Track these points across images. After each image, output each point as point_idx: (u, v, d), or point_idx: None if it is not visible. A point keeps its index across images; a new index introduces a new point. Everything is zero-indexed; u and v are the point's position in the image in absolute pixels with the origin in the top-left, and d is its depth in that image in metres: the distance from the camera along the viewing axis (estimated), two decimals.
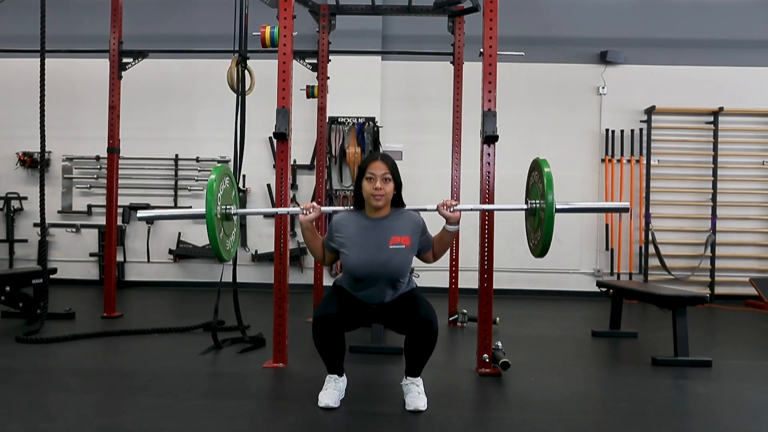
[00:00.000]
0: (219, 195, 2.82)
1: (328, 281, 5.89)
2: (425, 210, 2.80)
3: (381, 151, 6.74)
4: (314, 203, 2.78)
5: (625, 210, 3.01)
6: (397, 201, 2.76)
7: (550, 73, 7.03)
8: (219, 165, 2.93)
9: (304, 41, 5.11)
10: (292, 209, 3.02)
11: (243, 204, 6.99)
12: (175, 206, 7.11)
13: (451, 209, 2.70)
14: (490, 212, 3.36)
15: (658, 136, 6.96)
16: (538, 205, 2.83)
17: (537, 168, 2.87)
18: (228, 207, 2.94)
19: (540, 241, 2.79)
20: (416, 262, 2.85)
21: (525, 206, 2.96)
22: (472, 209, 3.01)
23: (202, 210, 2.76)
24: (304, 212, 2.74)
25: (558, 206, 2.71)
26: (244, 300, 4.15)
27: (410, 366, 2.75)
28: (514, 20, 6.56)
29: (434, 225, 2.81)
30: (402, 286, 2.77)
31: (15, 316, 4.66)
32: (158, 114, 7.09)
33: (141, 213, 3.02)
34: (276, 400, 2.94)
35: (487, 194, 3.36)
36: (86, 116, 6.97)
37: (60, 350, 3.76)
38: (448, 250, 2.87)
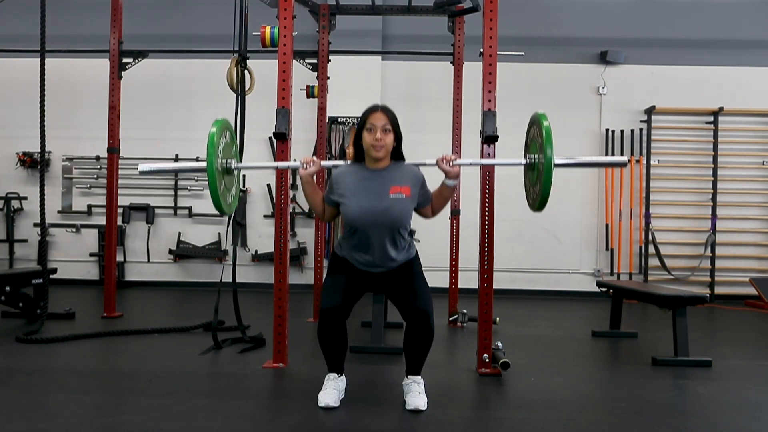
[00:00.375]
0: (220, 148, 2.81)
1: None
2: (424, 164, 2.79)
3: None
4: (314, 157, 2.77)
5: (624, 164, 3.00)
6: (397, 154, 2.75)
7: (550, 73, 7.03)
8: (220, 119, 2.90)
9: (304, 41, 5.11)
10: (292, 163, 2.98)
11: (243, 205, 6.99)
12: (176, 206, 7.12)
13: (451, 163, 2.69)
14: (491, 206, 3.34)
15: (658, 136, 6.97)
16: (536, 160, 2.82)
17: (536, 122, 2.86)
18: (229, 161, 2.94)
19: (539, 195, 2.78)
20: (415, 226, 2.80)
21: (524, 161, 2.96)
22: (471, 164, 3.01)
23: (203, 164, 2.76)
24: (304, 166, 2.73)
25: (556, 161, 2.71)
26: (244, 300, 4.15)
27: (410, 363, 2.76)
28: (514, 20, 6.56)
29: (433, 183, 2.80)
30: (402, 245, 2.71)
31: (15, 316, 4.66)
32: (158, 114, 7.09)
33: (142, 166, 3.00)
34: (276, 400, 2.94)
35: (487, 194, 3.36)
36: (86, 116, 6.96)
37: (60, 350, 3.76)
38: (447, 205, 2.85)
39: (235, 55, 4.21)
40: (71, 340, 3.98)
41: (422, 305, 2.65)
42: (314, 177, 2.78)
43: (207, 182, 2.77)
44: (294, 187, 6.97)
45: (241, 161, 4.10)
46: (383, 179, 2.68)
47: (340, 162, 2.89)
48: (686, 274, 6.87)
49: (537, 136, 2.82)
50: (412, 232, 2.82)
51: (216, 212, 6.97)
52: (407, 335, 2.72)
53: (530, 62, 6.55)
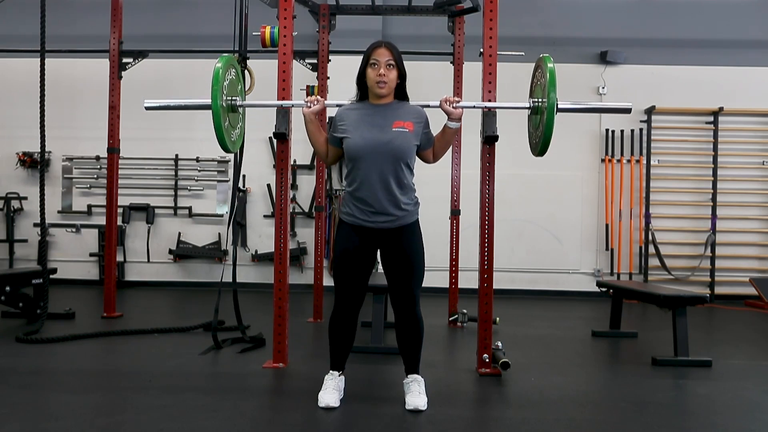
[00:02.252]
0: (225, 84, 2.81)
1: (328, 281, 5.89)
2: (428, 106, 2.80)
3: None
4: (318, 96, 2.76)
5: (627, 111, 3.00)
6: (401, 92, 2.74)
7: None
8: (225, 55, 2.89)
9: (304, 41, 5.11)
10: (296, 101, 2.97)
11: (243, 205, 6.99)
12: (176, 206, 7.12)
13: (453, 105, 2.69)
14: (491, 206, 3.34)
15: (658, 136, 6.97)
16: (540, 103, 2.82)
17: (541, 65, 2.87)
18: (233, 98, 2.95)
19: (541, 138, 2.80)
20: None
21: (528, 104, 2.96)
22: (474, 106, 3.03)
23: (208, 100, 2.76)
24: (308, 105, 2.73)
25: (560, 105, 2.72)
26: (244, 300, 4.15)
27: (406, 359, 2.77)
28: (514, 20, 6.57)
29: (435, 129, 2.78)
30: (406, 186, 2.66)
31: (15, 316, 4.66)
32: (158, 114, 7.03)
33: (148, 102, 3.01)
34: (276, 400, 2.94)
35: (487, 194, 3.36)
36: (86, 116, 6.96)
37: (60, 350, 3.76)
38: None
39: (235, 55, 4.20)
40: (71, 340, 3.98)
41: (410, 285, 2.66)
42: (317, 116, 2.77)
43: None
44: (294, 187, 6.97)
45: (240, 162, 4.13)
46: (386, 114, 2.67)
47: (344, 101, 2.88)
48: (686, 274, 6.87)
49: (541, 78, 2.83)
50: (412, 191, 2.75)
51: (216, 212, 7.06)
52: (397, 330, 2.74)
53: (530, 62, 6.47)
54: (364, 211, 2.65)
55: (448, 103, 2.70)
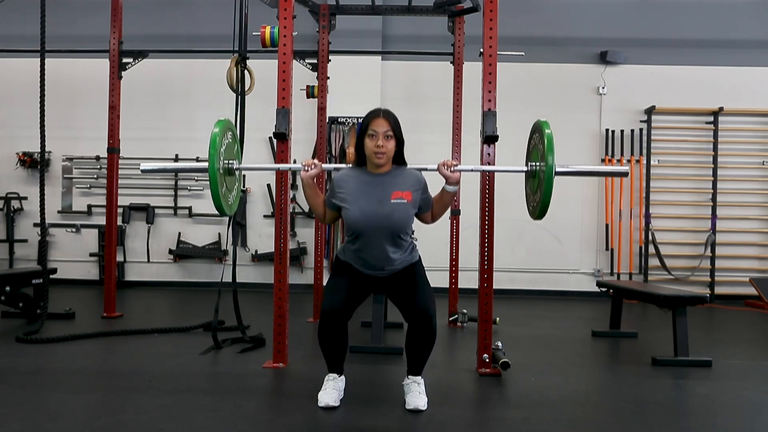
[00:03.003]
0: (222, 150, 2.81)
1: None
2: (426, 170, 2.81)
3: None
4: (315, 160, 2.77)
5: (625, 174, 3.02)
6: (399, 158, 2.76)
7: (550, 73, 7.03)
8: (222, 119, 2.91)
9: (304, 41, 5.11)
10: (293, 165, 2.99)
11: (243, 205, 6.99)
12: (176, 206, 7.12)
13: (452, 169, 2.71)
14: (491, 206, 3.35)
15: (658, 136, 6.97)
16: (538, 167, 2.83)
17: (538, 130, 2.87)
18: (230, 162, 2.95)
19: (539, 203, 2.80)
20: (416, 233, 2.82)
21: (525, 168, 2.97)
22: (472, 170, 3.05)
23: (205, 164, 2.76)
24: (306, 169, 2.73)
25: (558, 169, 2.72)
26: (244, 300, 4.15)
27: (411, 363, 2.76)
28: (514, 20, 6.56)
29: (434, 188, 2.80)
30: (405, 247, 2.72)
31: (15, 316, 4.66)
32: (158, 114, 7.09)
33: (144, 165, 3.01)
34: (276, 400, 2.95)
35: (487, 194, 3.36)
36: (86, 116, 6.96)
37: (60, 350, 3.76)
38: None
39: (235, 55, 4.21)
40: (71, 340, 3.98)
41: (424, 306, 2.65)
42: (315, 179, 2.78)
43: (208, 182, 2.76)
44: (294, 187, 6.97)
45: (241, 161, 4.13)
46: (385, 184, 2.69)
47: (342, 165, 2.90)
48: (686, 274, 6.87)
49: (539, 143, 2.83)
50: (412, 231, 2.82)
51: (216, 212, 7.04)
52: (409, 336, 2.71)
53: (530, 62, 6.54)
54: (362, 264, 2.73)
55: (446, 167, 2.71)
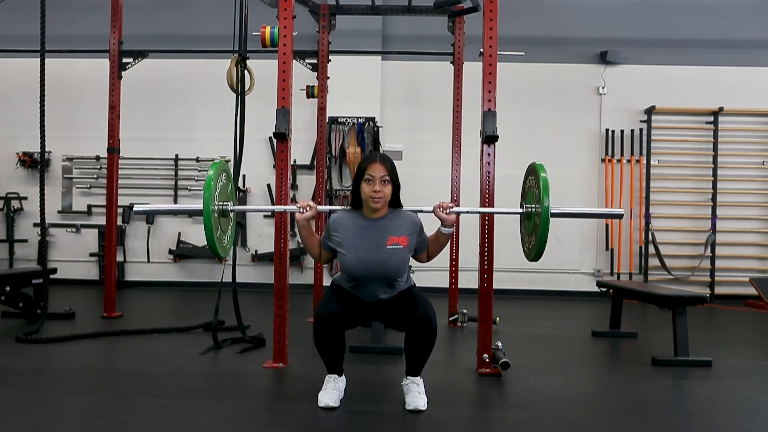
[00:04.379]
0: (216, 192, 2.82)
1: (328, 281, 5.88)
2: (422, 211, 2.83)
3: (381, 151, 6.74)
4: (311, 202, 2.79)
5: (620, 216, 3.03)
6: (395, 201, 2.77)
7: (550, 73, 7.03)
8: (217, 161, 2.94)
9: (304, 41, 5.11)
10: (288, 207, 3.02)
11: (243, 203, 6.99)
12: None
13: (447, 211, 2.72)
14: (491, 199, 3.35)
15: (658, 136, 6.97)
16: (533, 210, 2.84)
17: (533, 173, 2.88)
18: (225, 203, 2.97)
19: (534, 246, 2.80)
20: (413, 261, 2.86)
21: (521, 210, 2.97)
22: (468, 212, 3.06)
23: (200, 206, 2.77)
24: (301, 211, 2.75)
25: (553, 211, 2.71)
26: (244, 300, 4.15)
27: (410, 365, 2.76)
28: (514, 20, 6.56)
29: (430, 225, 2.81)
30: (400, 285, 2.78)
31: (15, 316, 4.66)
32: (158, 114, 7.08)
33: (137, 207, 3.04)
34: (276, 400, 2.95)
35: (487, 194, 3.36)
36: (86, 116, 6.96)
37: (60, 350, 3.76)
38: (443, 251, 2.87)
39: (235, 55, 4.21)
40: (71, 340, 3.98)
41: (424, 311, 2.66)
42: (311, 221, 2.82)
43: (203, 226, 2.80)
44: (294, 187, 6.97)
45: (240, 162, 4.13)
46: (381, 229, 2.71)
47: (337, 207, 2.93)
48: (686, 274, 6.87)
49: (534, 187, 2.83)
50: (408, 268, 2.84)
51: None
52: (409, 338, 2.71)
53: (530, 62, 6.54)
54: (358, 296, 2.78)
55: (441, 209, 2.73)
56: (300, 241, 6.90)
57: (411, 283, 2.85)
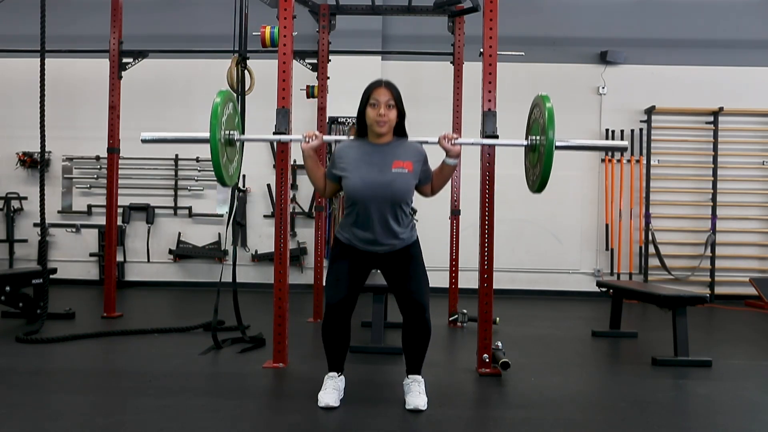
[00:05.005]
0: (223, 119, 2.82)
1: None
2: (426, 142, 2.82)
3: None
4: (316, 132, 2.77)
5: (624, 148, 3.03)
6: (400, 130, 2.75)
7: (550, 73, 7.02)
8: (223, 90, 2.91)
9: (304, 41, 5.11)
10: (294, 137, 2.98)
11: (243, 205, 6.99)
12: (176, 206, 7.12)
13: (452, 142, 2.71)
14: (491, 206, 3.35)
15: (658, 136, 6.96)
16: (538, 141, 2.83)
17: (539, 104, 2.88)
18: (231, 132, 2.96)
19: (539, 176, 2.81)
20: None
21: (525, 142, 2.98)
22: (473, 143, 3.07)
23: (206, 134, 2.77)
24: (306, 140, 2.74)
25: (558, 143, 2.73)
26: (244, 300, 4.14)
27: (409, 361, 2.77)
28: (514, 20, 6.56)
29: (434, 163, 2.80)
30: (404, 222, 2.71)
31: (15, 316, 4.66)
32: (158, 114, 7.07)
33: (144, 135, 3.02)
34: (276, 400, 2.95)
35: (487, 194, 3.36)
36: (86, 116, 6.96)
37: (60, 350, 3.76)
38: (447, 184, 2.86)
39: (235, 55, 4.21)
40: (71, 340, 3.98)
41: (418, 297, 2.67)
42: (316, 151, 2.78)
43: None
44: (294, 187, 6.97)
45: (243, 133, 4.12)
46: (386, 154, 2.68)
47: (343, 137, 2.89)
48: (686, 274, 6.87)
49: (539, 117, 2.83)
50: (413, 211, 2.81)
51: (216, 213, 7.05)
52: (405, 332, 2.73)
53: (530, 62, 6.54)
54: (362, 240, 2.70)
55: (446, 140, 2.72)
56: (301, 241, 6.97)
57: (415, 236, 2.77)
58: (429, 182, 2.79)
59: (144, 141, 3.03)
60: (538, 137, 2.85)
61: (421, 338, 2.72)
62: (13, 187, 7.12)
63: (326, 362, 2.81)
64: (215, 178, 2.94)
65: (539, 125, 2.82)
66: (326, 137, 2.85)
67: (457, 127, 5.03)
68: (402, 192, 2.66)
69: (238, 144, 3.07)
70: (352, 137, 2.82)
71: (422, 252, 2.78)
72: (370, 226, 2.66)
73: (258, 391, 3.02)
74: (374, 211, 2.64)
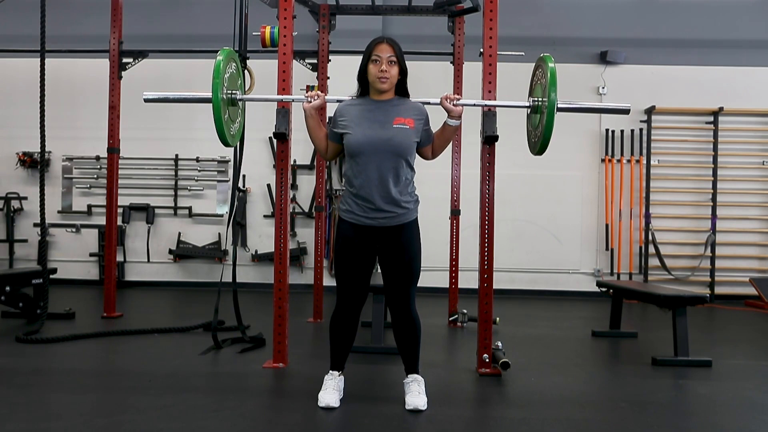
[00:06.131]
0: (225, 77, 2.81)
1: (328, 281, 5.90)
2: (428, 103, 2.82)
3: None
4: (318, 91, 2.76)
5: (626, 111, 3.02)
6: (402, 89, 2.75)
7: None
8: (226, 48, 2.91)
9: (304, 41, 5.11)
10: (296, 96, 2.97)
11: (243, 205, 6.99)
12: (176, 206, 7.12)
13: (454, 102, 2.71)
14: (491, 206, 3.34)
15: (658, 136, 6.97)
16: (540, 102, 2.83)
17: (541, 65, 2.88)
18: (233, 92, 2.96)
19: (540, 137, 2.81)
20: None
21: (527, 103, 2.97)
22: (474, 104, 3.04)
23: (209, 94, 2.77)
24: (309, 100, 2.73)
25: (560, 104, 2.74)
26: (244, 300, 4.14)
27: (405, 359, 2.77)
28: (514, 20, 6.56)
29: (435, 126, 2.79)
30: (406, 183, 2.67)
31: (15, 316, 4.66)
32: (158, 114, 7.06)
33: (146, 94, 3.03)
34: (276, 400, 2.94)
35: (487, 194, 3.36)
36: (86, 116, 6.96)
37: (60, 350, 3.76)
38: (447, 146, 2.84)
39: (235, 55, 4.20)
40: (71, 340, 3.98)
41: (404, 289, 2.67)
42: (318, 111, 2.78)
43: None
44: (294, 187, 6.97)
45: (240, 162, 4.13)
46: (387, 110, 2.68)
47: (345, 97, 2.88)
48: (686, 274, 6.87)
49: (541, 78, 2.83)
50: (412, 191, 2.76)
51: (216, 212, 7.05)
52: (394, 328, 2.74)
53: (530, 62, 6.47)
54: (363, 207, 2.65)
55: (448, 100, 2.72)
56: (301, 241, 6.97)
57: (416, 215, 2.73)
58: (430, 143, 2.78)
59: (147, 100, 3.03)
60: (540, 98, 2.84)
61: (410, 333, 2.71)
62: (13, 187, 7.13)
63: (326, 362, 2.81)
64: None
65: (541, 86, 2.82)
66: (328, 97, 2.84)
67: None
68: (403, 146, 2.63)
69: (240, 104, 3.06)
70: (353, 96, 2.81)
71: (422, 263, 2.76)
72: (371, 186, 2.61)
73: (258, 391, 3.02)
74: (375, 167, 2.60)
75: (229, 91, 2.91)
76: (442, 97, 2.73)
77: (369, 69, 2.66)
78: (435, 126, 2.80)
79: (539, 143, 2.83)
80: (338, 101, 2.87)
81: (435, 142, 2.79)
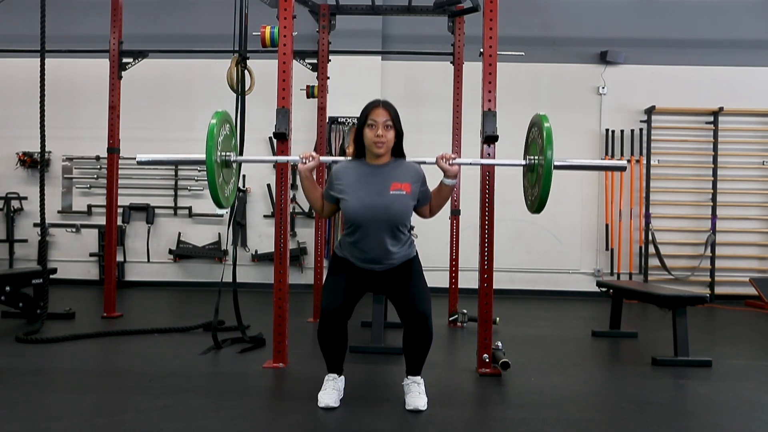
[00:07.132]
0: (219, 140, 2.81)
1: None
2: (424, 162, 2.80)
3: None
4: (313, 152, 2.75)
5: (623, 168, 3.02)
6: (398, 150, 2.74)
7: (550, 73, 7.03)
8: (219, 111, 2.90)
9: (304, 41, 5.11)
10: (291, 158, 2.98)
11: (243, 205, 6.99)
12: (176, 206, 7.12)
13: (450, 162, 2.70)
14: (491, 206, 3.35)
15: (658, 136, 6.97)
16: (536, 161, 2.83)
17: (537, 124, 2.86)
18: (228, 153, 2.94)
19: (537, 197, 2.79)
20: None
21: (524, 162, 2.96)
22: (471, 163, 3.04)
23: (202, 156, 2.75)
24: (303, 161, 2.72)
25: (556, 163, 2.72)
26: (244, 300, 4.14)
27: (409, 364, 2.76)
28: (514, 20, 6.57)
29: (432, 183, 2.80)
30: (403, 241, 2.71)
31: (15, 316, 4.66)
32: (158, 114, 7.08)
33: (140, 156, 3.00)
34: (276, 400, 2.94)
35: (487, 194, 3.36)
36: (86, 116, 6.96)
37: (60, 350, 3.76)
38: (446, 205, 2.85)
39: (235, 55, 4.21)
40: (71, 340, 3.98)
41: (420, 308, 2.64)
42: (313, 172, 2.77)
43: (206, 175, 2.76)
44: (294, 187, 6.97)
45: (239, 155, 4.12)
46: (384, 175, 2.68)
47: (340, 158, 2.88)
48: (686, 274, 6.87)
49: (537, 137, 2.82)
50: (410, 228, 2.81)
51: (216, 212, 7.05)
52: (406, 337, 2.71)
53: (530, 62, 6.54)
54: (360, 259, 2.70)
55: (444, 160, 2.70)
56: (301, 241, 6.97)
57: (414, 252, 2.78)
58: (427, 203, 2.78)
59: (140, 163, 3.00)
60: (536, 157, 2.83)
61: (423, 344, 2.70)
62: (13, 187, 7.13)
63: (325, 363, 2.81)
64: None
65: (537, 145, 2.81)
66: (323, 158, 2.83)
67: (456, 127, 5.04)
68: (400, 214, 2.66)
69: (234, 166, 3.05)
70: (349, 158, 2.81)
71: (422, 263, 2.79)
72: (368, 248, 2.66)
73: (258, 391, 3.02)
74: (373, 233, 2.64)
75: (224, 153, 2.89)
76: (437, 157, 2.71)
77: (365, 133, 2.66)
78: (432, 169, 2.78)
79: (537, 202, 2.80)
80: (334, 161, 2.88)
81: (432, 201, 2.79)
